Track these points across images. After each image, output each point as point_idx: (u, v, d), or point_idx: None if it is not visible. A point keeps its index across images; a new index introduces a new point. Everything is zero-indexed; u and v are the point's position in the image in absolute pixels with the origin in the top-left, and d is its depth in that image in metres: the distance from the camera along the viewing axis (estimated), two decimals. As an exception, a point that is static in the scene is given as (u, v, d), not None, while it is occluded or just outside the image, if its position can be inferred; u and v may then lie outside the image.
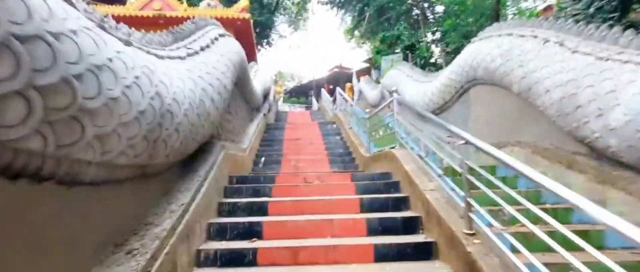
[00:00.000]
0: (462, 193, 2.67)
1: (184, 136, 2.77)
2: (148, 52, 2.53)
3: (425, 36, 13.91)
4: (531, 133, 4.68)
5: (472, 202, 2.56)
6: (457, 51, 11.80)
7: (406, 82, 9.51)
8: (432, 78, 8.29)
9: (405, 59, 16.82)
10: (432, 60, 14.37)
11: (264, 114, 9.74)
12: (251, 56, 15.95)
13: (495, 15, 10.44)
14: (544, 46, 4.36)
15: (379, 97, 12.57)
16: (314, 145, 7.94)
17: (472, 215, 2.54)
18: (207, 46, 4.22)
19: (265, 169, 6.40)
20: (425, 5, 17.87)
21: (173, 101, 2.49)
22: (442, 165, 3.54)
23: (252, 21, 15.36)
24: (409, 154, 4.34)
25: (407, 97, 9.14)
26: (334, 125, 10.00)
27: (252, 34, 14.14)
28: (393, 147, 4.98)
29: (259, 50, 22.78)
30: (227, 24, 12.76)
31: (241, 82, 6.36)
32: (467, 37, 10.23)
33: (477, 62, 5.81)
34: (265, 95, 10.91)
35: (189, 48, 3.74)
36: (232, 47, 4.94)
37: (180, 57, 3.32)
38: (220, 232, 3.20)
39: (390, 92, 11.55)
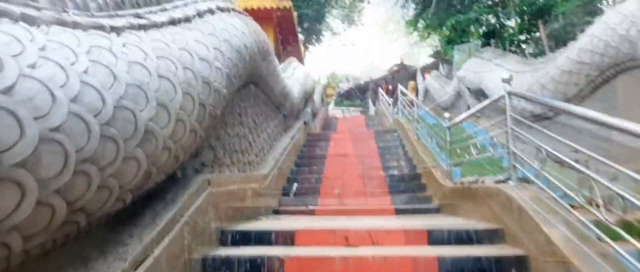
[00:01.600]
0: None
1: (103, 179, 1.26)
2: None
3: (515, 16, 11.37)
4: None
5: None
6: (565, 32, 9.20)
7: (495, 72, 7.31)
8: (538, 65, 6.07)
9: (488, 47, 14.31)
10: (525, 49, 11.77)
11: (305, 122, 8.19)
12: (295, 54, 14.64)
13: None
14: None
15: (454, 95, 10.39)
16: (367, 164, 6.15)
17: None
18: (186, 19, 2.74)
19: (296, 201, 4.79)
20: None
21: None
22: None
23: (296, 14, 14.08)
24: (544, 200, 2.40)
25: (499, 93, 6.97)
26: (395, 135, 8.10)
27: (295, 27, 12.81)
28: (502, 181, 3.02)
29: (307, 48, 21.53)
30: (265, 15, 11.54)
31: (263, 82, 4.86)
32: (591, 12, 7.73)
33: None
34: (307, 99, 9.38)
35: (140, 17, 2.28)
36: (235, 27, 3.42)
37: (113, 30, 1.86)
38: None
39: (470, 89, 9.35)
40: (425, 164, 5.39)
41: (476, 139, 3.91)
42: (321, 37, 22.64)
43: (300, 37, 20.11)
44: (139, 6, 2.43)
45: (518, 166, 2.87)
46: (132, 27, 2.09)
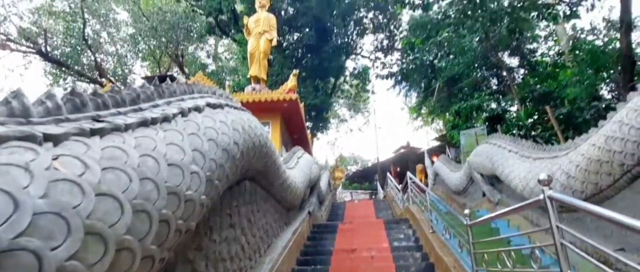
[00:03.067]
0: None
1: None
2: None
3: (516, 102, 11.21)
4: None
5: None
6: (574, 117, 8.86)
7: (510, 159, 6.78)
8: (556, 152, 5.54)
9: (491, 132, 14.02)
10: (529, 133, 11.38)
11: (310, 212, 7.52)
12: (302, 142, 14.48)
13: (628, 65, 7.60)
14: None
15: (466, 180, 9.74)
16: (378, 262, 5.33)
17: None
18: (165, 119, 2.36)
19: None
20: (516, 64, 15.43)
21: None
22: None
23: (303, 104, 14.27)
24: None
25: (515, 182, 6.34)
26: (407, 226, 7.32)
27: (302, 116, 12.82)
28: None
29: (315, 135, 21.62)
30: (273, 107, 11.62)
31: (260, 176, 4.38)
32: (595, 97, 7.45)
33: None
34: (312, 188, 8.82)
35: (99, 120, 1.90)
36: (225, 124, 3.05)
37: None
38: None
39: (483, 175, 8.73)
40: (443, 264, 4.58)
41: (511, 246, 3.21)
42: (328, 124, 22.89)
43: (309, 125, 20.34)
44: (105, 107, 2.06)
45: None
46: (80, 133, 1.67)
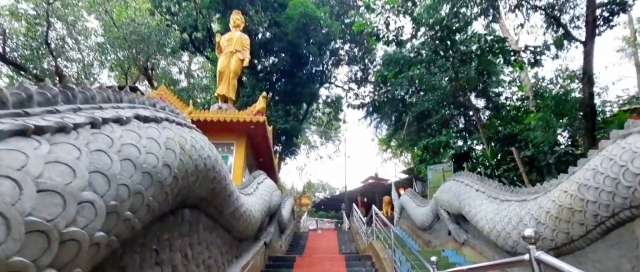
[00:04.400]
0: None
1: None
2: None
3: (483, 142, 11.24)
4: None
5: None
6: (538, 160, 8.88)
7: (477, 199, 6.50)
8: (525, 195, 5.29)
9: (457, 169, 14.01)
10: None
11: (266, 243, 6.84)
12: (268, 166, 13.84)
13: (590, 113, 7.71)
14: None
15: (432, 217, 9.41)
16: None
17: None
18: (60, 129, 1.80)
19: None
20: (483, 106, 15.73)
21: None
22: None
23: (271, 128, 13.75)
24: None
25: (482, 223, 6.04)
26: (370, 264, 6.78)
27: (269, 139, 12.26)
28: None
29: (284, 160, 20.99)
30: (240, 128, 11.02)
31: (206, 204, 3.78)
32: (556, 143, 7.48)
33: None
34: (272, 216, 8.17)
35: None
36: (156, 141, 2.50)
37: None
38: None
39: (449, 213, 8.44)
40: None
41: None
42: (298, 150, 22.37)
43: (278, 149, 19.73)
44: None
45: None
46: None
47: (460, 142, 15.74)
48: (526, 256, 1.71)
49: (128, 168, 2.04)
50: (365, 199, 28.05)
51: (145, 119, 2.54)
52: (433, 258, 3.23)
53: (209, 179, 3.45)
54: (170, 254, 3.10)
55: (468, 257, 6.71)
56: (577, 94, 9.95)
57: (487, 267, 2.69)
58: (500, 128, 12.53)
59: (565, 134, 10.62)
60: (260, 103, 10.80)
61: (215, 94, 12.05)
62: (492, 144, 10.95)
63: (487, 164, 9.54)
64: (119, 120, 2.27)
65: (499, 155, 9.83)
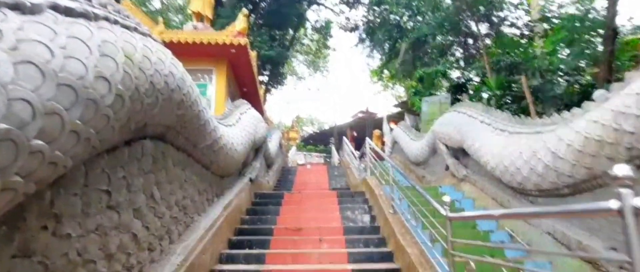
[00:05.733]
0: None
1: None
2: None
3: (484, 72, 10.65)
4: None
5: None
6: (538, 91, 8.41)
7: (482, 132, 6.11)
8: (538, 127, 4.87)
9: (454, 102, 13.60)
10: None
11: (252, 179, 6.48)
12: (253, 96, 13.12)
13: (612, 36, 7.09)
14: None
15: (427, 151, 9.15)
16: (327, 246, 4.49)
17: None
18: None
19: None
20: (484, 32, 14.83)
21: None
22: None
23: (255, 53, 12.77)
24: None
25: (486, 158, 5.72)
26: (362, 200, 6.56)
27: (253, 66, 11.39)
28: None
29: (269, 90, 20.20)
30: (220, 52, 10.07)
31: (175, 134, 3.20)
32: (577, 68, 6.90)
33: None
34: (257, 150, 7.74)
35: None
36: (86, 44, 1.83)
37: None
38: None
39: (448, 147, 8.14)
40: (405, 255, 3.82)
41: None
42: (284, 80, 21.46)
43: (263, 79, 18.79)
44: None
45: None
46: None
47: (457, 74, 15.15)
48: (615, 205, 1.23)
49: (30, 76, 1.40)
50: (355, 133, 28.02)
51: (68, 12, 1.82)
52: (446, 198, 2.82)
53: (175, 102, 2.82)
54: (129, 195, 2.59)
55: (467, 193, 6.52)
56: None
57: (528, 215, 2.28)
58: (502, 57, 11.89)
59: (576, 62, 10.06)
60: (241, 22, 9.73)
61: (189, 11, 10.83)
62: (494, 74, 10.36)
63: (490, 94, 9.05)
64: (19, 7, 1.57)
65: (505, 84, 9.30)
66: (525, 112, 8.50)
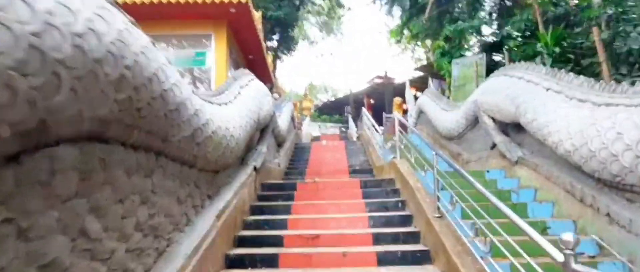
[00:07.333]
0: None
1: None
2: None
3: (538, 24, 9.08)
4: None
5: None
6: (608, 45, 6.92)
7: (549, 102, 4.84)
8: (644, 96, 3.60)
9: (491, 63, 12.10)
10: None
11: (256, 168, 5.44)
12: (259, 64, 11.91)
13: None
14: None
15: (464, 124, 7.91)
16: (353, 262, 3.47)
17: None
18: None
19: None
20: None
21: None
22: None
23: (260, 14, 11.44)
24: None
25: (558, 136, 4.50)
26: (392, 190, 5.46)
27: (257, 29, 10.12)
28: None
29: (279, 57, 18.88)
30: (217, 13, 8.83)
31: (119, 128, 2.11)
32: None
33: None
34: (263, 130, 6.65)
35: None
36: None
37: None
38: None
39: (496, 120, 6.82)
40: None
41: None
42: (295, 45, 20.04)
43: (271, 45, 17.46)
44: None
45: None
46: None
47: (489, 30, 13.50)
48: None
49: None
50: (372, 101, 26.66)
51: None
52: (567, 236, 1.67)
53: (109, 80, 1.72)
54: (27, 246, 1.54)
55: (524, 180, 5.35)
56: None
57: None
58: (551, 7, 10.22)
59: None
60: (241, -22, 8.39)
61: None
62: (550, 26, 8.77)
63: (545, 52, 7.56)
64: None
65: (565, 40, 7.76)
66: (589, 74, 7.10)
